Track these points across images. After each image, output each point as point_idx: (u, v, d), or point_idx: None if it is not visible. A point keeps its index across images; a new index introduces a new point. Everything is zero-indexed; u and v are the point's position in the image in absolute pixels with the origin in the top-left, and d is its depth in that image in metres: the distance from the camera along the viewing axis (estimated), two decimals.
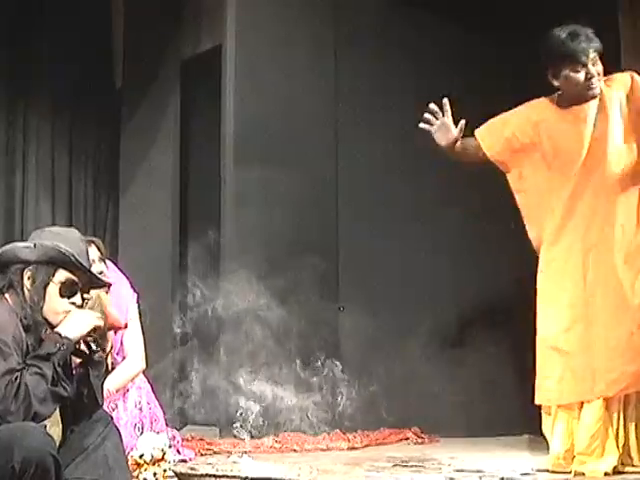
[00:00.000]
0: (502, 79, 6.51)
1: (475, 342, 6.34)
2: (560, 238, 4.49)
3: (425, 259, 6.51)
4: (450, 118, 4.61)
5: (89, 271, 3.41)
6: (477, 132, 4.70)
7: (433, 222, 6.50)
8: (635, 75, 4.49)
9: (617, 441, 4.32)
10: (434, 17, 6.58)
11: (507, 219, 6.34)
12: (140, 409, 4.91)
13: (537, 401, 4.55)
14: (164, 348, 6.53)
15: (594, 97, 4.46)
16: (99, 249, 4.94)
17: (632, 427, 4.35)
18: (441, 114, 4.61)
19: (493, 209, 6.35)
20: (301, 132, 6.44)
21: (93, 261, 4.85)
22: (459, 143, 4.65)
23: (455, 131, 4.60)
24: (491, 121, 4.72)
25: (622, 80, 4.51)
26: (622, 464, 4.33)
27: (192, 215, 7.09)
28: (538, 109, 4.62)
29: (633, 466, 4.34)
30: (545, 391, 4.48)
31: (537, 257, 4.65)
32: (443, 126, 4.61)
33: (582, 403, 4.39)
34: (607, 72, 4.52)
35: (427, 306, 6.44)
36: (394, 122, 6.55)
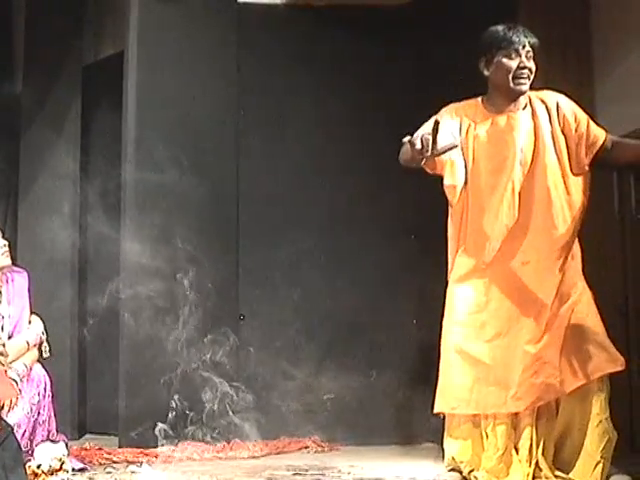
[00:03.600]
0: (406, 91, 6.56)
1: (376, 351, 6.39)
2: (486, 251, 4.46)
3: (326, 267, 6.52)
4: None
5: None
6: None
7: (335, 230, 6.53)
8: (561, 96, 4.53)
9: (530, 455, 4.30)
10: (337, 27, 6.61)
11: (409, 231, 6.47)
12: (38, 411, 4.87)
13: (440, 409, 4.48)
14: (62, 356, 6.44)
15: (521, 93, 4.45)
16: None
17: (541, 441, 4.35)
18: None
19: (398, 222, 6.42)
20: (202, 138, 6.44)
21: None
22: None
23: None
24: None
25: (551, 98, 4.53)
26: (534, 477, 4.30)
27: (93, 220, 7.01)
28: (467, 109, 4.56)
29: (545, 478, 4.31)
30: (452, 399, 4.41)
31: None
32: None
33: (488, 417, 4.39)
34: None
35: (327, 314, 6.45)
36: (296, 128, 6.58)
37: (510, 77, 4.44)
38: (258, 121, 6.58)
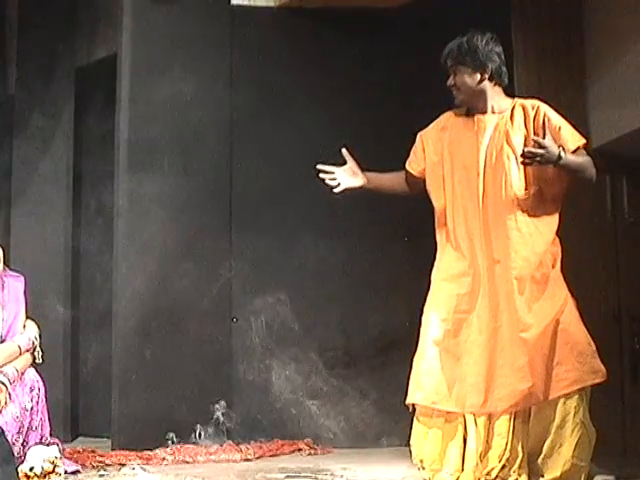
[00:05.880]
0: (402, 93, 6.56)
1: (368, 354, 6.39)
2: (461, 250, 4.51)
3: (320, 271, 6.52)
4: (353, 162, 4.63)
5: None
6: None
7: (331, 229, 6.52)
8: (541, 104, 4.53)
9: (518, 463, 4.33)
10: (330, 29, 6.61)
11: (402, 234, 6.47)
12: (30, 416, 4.86)
13: (418, 401, 4.47)
14: (55, 360, 6.44)
15: (459, 106, 4.59)
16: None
17: (520, 446, 4.38)
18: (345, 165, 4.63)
19: (390, 224, 6.42)
20: (195, 139, 6.42)
21: None
22: (374, 177, 4.70)
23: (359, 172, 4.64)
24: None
25: (533, 104, 4.55)
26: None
27: (86, 221, 7.01)
28: (445, 117, 4.68)
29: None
30: (432, 393, 4.41)
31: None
32: (349, 171, 4.62)
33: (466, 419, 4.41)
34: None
35: (320, 318, 6.44)
36: (290, 129, 6.57)
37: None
38: (251, 122, 6.58)
